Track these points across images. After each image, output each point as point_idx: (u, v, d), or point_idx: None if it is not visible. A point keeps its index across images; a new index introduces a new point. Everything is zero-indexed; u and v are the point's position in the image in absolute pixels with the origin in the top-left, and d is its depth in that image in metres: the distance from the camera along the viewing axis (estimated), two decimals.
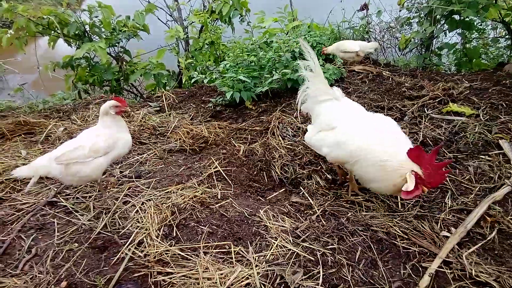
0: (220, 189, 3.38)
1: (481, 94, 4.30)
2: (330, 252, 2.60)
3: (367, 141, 2.66)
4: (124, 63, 6.53)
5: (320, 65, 3.79)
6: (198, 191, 3.27)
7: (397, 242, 2.65)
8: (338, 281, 2.37)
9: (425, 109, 4.22)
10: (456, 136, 3.66)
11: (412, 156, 2.42)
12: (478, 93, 4.34)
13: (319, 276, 2.40)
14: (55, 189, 3.43)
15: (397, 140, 2.62)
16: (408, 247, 2.59)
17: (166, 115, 5.21)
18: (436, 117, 4.03)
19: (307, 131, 3.35)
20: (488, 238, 2.55)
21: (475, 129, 3.64)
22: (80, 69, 6.38)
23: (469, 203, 2.84)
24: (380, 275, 2.38)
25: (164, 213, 2.94)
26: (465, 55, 6.14)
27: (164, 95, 5.91)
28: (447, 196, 2.98)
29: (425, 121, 3.99)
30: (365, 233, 2.73)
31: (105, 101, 4.10)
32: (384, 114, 4.37)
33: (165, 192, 3.27)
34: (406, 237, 2.69)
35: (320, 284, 2.35)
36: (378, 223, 2.83)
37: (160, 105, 5.66)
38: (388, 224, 2.80)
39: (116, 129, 3.05)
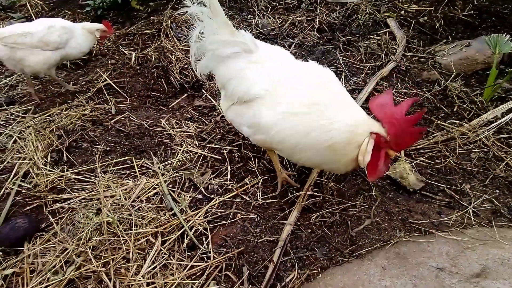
0: (113, 104, 3.06)
1: None
2: (236, 148, 2.61)
3: (302, 120, 1.79)
4: None
5: None
6: (87, 109, 2.91)
7: None
8: (245, 173, 2.43)
9: None
10: (349, 19, 3.70)
11: (375, 105, 1.68)
12: None
13: (227, 172, 2.43)
14: None
15: (338, 103, 1.82)
16: None
17: None
18: (331, 1, 3.98)
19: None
20: None
21: (365, 10, 3.71)
22: None
23: (360, 83, 3.01)
24: (284, 162, 2.49)
25: (49, 138, 2.59)
26: None
27: (29, 2, 4.84)
28: (341, 79, 3.10)
29: (320, 6, 3.93)
30: None
31: None
32: (282, 3, 4.21)
33: (46, 116, 2.85)
34: None
35: (228, 179, 2.39)
36: None
37: (26, 15, 4.66)
38: None
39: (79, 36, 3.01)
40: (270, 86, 1.91)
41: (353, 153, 1.72)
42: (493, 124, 2.48)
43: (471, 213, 2.04)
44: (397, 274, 1.72)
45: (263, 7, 4.11)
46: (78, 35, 3.01)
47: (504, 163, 2.28)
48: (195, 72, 2.29)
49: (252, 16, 4.04)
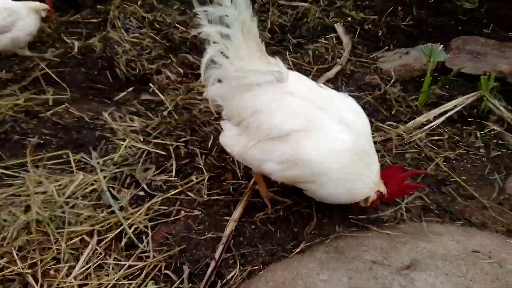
0: (51, 95, 2.86)
1: None
2: (183, 144, 2.55)
3: (346, 161, 1.77)
4: None
5: None
6: (20, 99, 2.70)
7: None
8: (191, 170, 2.39)
9: None
10: (300, 22, 3.79)
11: (386, 175, 1.91)
12: None
13: (172, 168, 2.37)
14: None
15: (372, 154, 1.89)
16: None
17: None
18: (283, 3, 4.06)
19: (222, 130, 2.06)
20: None
21: (315, 14, 3.82)
22: None
23: None
24: (231, 158, 2.48)
25: None
26: None
27: None
28: None
29: (273, 8, 3.98)
30: (216, 122, 2.74)
31: None
32: None
33: None
34: None
35: (173, 176, 2.33)
36: None
37: None
38: None
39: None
40: (309, 119, 1.76)
41: (357, 200, 1.93)
42: (426, 127, 2.66)
43: (403, 209, 2.16)
44: (335, 268, 1.78)
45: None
46: (24, 16, 2.80)
47: (434, 163, 2.46)
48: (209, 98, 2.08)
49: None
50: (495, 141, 2.65)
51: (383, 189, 1.89)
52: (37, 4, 2.96)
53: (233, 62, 1.80)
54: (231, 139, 1.96)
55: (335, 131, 1.77)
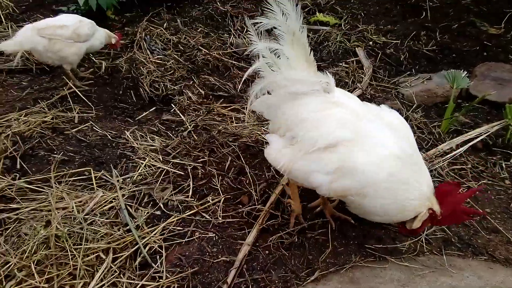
0: (77, 113, 2.98)
1: (344, 4, 4.49)
2: (201, 165, 2.58)
3: (392, 168, 1.69)
4: None
5: None
6: (48, 116, 2.82)
7: (264, 148, 2.76)
8: (208, 191, 2.41)
9: None
10: (321, 45, 3.82)
11: (440, 193, 1.77)
12: (342, 3, 4.52)
13: (189, 189, 2.39)
14: None
15: (420, 164, 1.80)
16: None
17: (4, 28, 4.19)
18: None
19: (267, 143, 2.06)
20: None
21: (336, 38, 3.85)
22: None
23: None
24: (247, 181, 2.48)
25: (3, 144, 2.47)
26: None
27: (0, 3, 4.69)
28: None
29: None
30: (234, 144, 2.77)
31: None
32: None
33: (4, 120, 2.74)
34: None
35: (190, 196, 2.35)
36: (247, 132, 2.89)
37: None
38: (257, 133, 2.88)
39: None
40: (356, 128, 1.73)
41: (408, 217, 1.78)
42: (448, 155, 2.59)
43: (423, 241, 2.09)
44: None
45: (239, 27, 4.18)
46: (98, 28, 3.33)
47: None
48: (249, 106, 2.05)
49: (227, 35, 4.10)
50: None
51: (436, 208, 1.74)
52: (110, 33, 3.51)
53: (282, 71, 1.84)
54: (277, 152, 1.93)
55: (382, 138, 1.72)
